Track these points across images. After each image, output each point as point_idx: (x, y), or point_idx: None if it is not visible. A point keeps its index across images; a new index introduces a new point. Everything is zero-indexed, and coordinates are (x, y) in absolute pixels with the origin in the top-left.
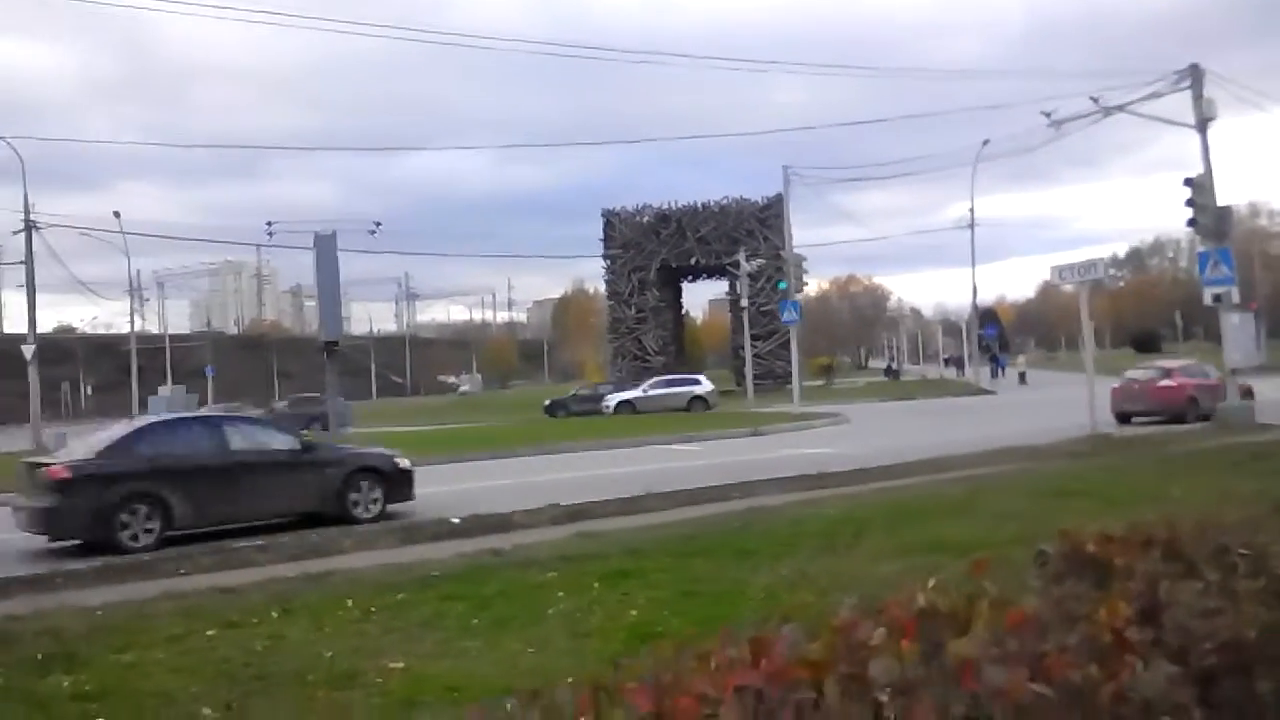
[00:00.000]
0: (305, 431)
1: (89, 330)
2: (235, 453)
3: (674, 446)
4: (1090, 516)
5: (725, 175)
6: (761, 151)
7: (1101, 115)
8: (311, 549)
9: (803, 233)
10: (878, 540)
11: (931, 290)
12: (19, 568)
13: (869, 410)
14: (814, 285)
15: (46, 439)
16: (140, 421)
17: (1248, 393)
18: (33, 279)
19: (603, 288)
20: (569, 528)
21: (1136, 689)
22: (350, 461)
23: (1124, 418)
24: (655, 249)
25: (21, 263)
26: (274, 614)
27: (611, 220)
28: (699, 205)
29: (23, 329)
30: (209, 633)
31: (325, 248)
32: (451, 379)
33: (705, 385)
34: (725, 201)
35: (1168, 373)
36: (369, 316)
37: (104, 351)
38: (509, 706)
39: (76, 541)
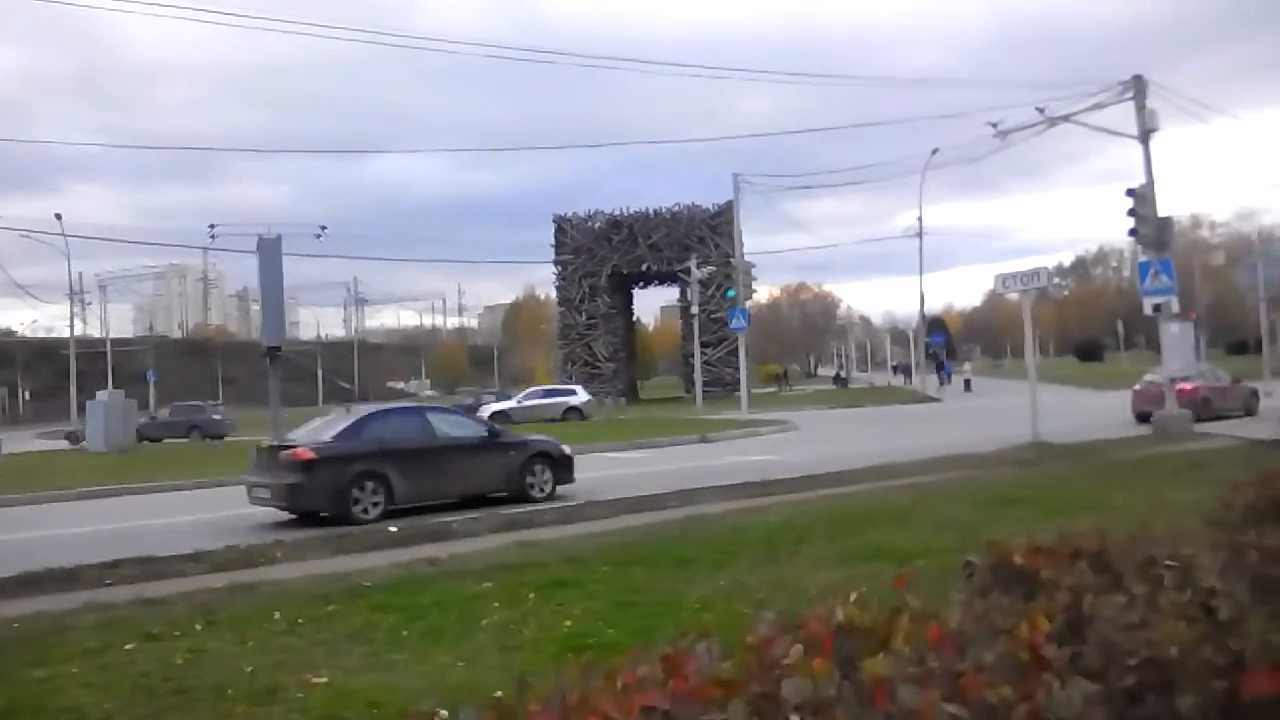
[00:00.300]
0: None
1: (28, 334)
2: (440, 438)
3: (619, 454)
4: (1031, 524)
5: (683, 182)
6: (721, 158)
7: (1047, 125)
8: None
9: (754, 240)
10: (819, 548)
11: (881, 298)
12: None
13: (817, 417)
14: (765, 292)
15: None
16: (364, 410)
17: (1253, 396)
18: None
19: (554, 294)
20: (508, 536)
21: (1052, 709)
22: (531, 446)
23: (1144, 417)
24: (607, 255)
25: None
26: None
27: (563, 226)
28: (651, 211)
29: None
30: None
31: (269, 251)
32: (400, 385)
33: (581, 396)
34: (677, 208)
35: (1184, 377)
36: (317, 321)
37: (43, 356)
38: None
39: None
